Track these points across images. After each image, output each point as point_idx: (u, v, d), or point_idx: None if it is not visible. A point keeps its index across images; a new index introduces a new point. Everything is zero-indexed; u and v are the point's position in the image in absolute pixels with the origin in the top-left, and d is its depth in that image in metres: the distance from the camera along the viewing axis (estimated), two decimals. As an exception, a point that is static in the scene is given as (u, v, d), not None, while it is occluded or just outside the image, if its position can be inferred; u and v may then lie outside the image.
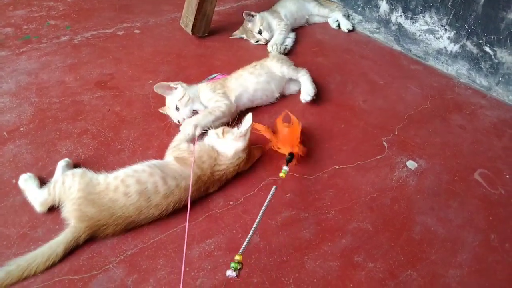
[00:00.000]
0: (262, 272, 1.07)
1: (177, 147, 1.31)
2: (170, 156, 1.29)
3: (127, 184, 1.13)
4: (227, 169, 1.27)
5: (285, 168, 1.28)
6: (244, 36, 2.16)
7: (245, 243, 0.98)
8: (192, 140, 1.36)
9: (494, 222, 1.25)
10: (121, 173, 1.19)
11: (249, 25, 2.07)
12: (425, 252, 1.15)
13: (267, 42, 2.08)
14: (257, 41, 2.11)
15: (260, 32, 2.07)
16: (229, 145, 1.29)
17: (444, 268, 1.11)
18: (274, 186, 1.20)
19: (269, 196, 1.14)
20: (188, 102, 1.49)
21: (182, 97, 1.48)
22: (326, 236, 1.18)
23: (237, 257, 0.94)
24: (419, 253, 1.15)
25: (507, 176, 1.41)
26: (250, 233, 1.00)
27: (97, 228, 1.09)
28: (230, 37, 2.17)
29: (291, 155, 1.35)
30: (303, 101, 1.66)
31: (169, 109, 1.53)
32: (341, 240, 1.17)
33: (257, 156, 1.40)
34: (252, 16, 2.07)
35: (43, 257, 1.03)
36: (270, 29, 2.09)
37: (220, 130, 1.32)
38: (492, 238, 1.20)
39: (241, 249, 0.96)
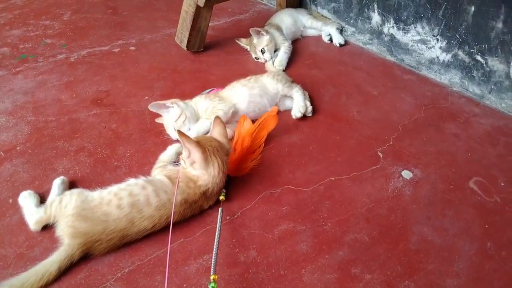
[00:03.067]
0: (260, 286, 1.07)
1: (164, 168, 1.31)
2: (159, 175, 1.27)
3: (120, 197, 1.14)
4: (214, 182, 1.24)
5: (223, 190, 1.31)
6: (248, 48, 2.14)
7: (213, 261, 1.03)
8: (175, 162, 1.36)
9: (490, 230, 1.25)
10: (115, 187, 1.20)
11: (255, 41, 2.05)
12: (422, 262, 1.15)
13: (265, 61, 2.06)
14: (257, 58, 2.11)
15: (262, 52, 2.06)
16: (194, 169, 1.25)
17: (441, 278, 1.11)
18: (220, 208, 1.23)
19: (218, 220, 1.17)
20: (185, 122, 1.50)
21: (179, 117, 1.48)
22: (323, 248, 1.18)
23: (212, 277, 0.97)
24: (416, 263, 1.15)
25: (502, 184, 1.41)
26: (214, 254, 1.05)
27: (90, 244, 1.08)
28: (236, 40, 2.17)
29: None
30: (293, 117, 1.69)
31: (168, 128, 1.54)
32: (338, 252, 1.17)
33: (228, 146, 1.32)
34: (262, 34, 2.04)
35: (37, 276, 1.02)
36: (274, 49, 2.08)
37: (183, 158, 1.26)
38: (489, 246, 1.21)
39: (212, 269, 1.00)
